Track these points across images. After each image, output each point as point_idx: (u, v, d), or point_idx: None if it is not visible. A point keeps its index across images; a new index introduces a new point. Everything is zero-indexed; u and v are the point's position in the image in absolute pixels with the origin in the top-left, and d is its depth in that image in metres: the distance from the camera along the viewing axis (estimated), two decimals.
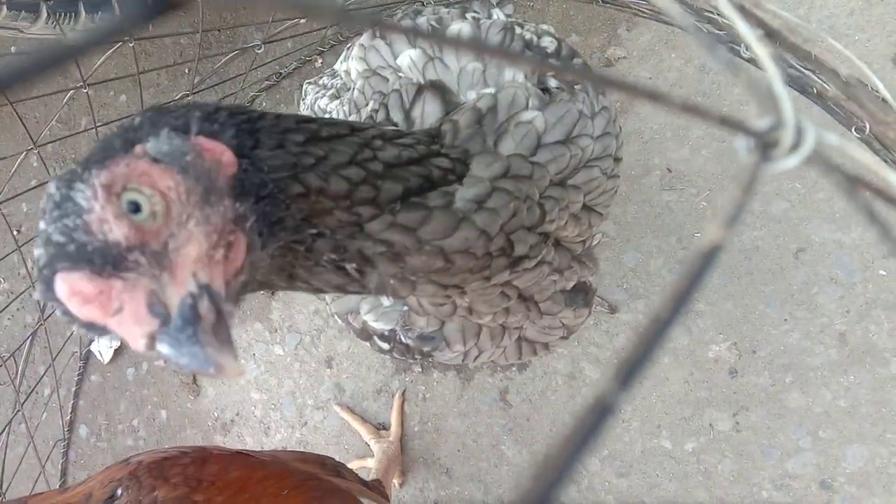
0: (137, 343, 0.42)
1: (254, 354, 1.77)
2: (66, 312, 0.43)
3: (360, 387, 1.65)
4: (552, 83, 0.71)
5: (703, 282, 0.21)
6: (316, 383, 1.69)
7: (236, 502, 0.95)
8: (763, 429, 1.31)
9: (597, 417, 0.17)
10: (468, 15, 0.79)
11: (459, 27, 0.75)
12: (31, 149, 1.35)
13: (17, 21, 1.37)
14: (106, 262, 0.41)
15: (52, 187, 0.43)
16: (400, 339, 0.82)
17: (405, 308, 0.76)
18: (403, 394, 1.59)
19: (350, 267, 0.51)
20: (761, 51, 0.26)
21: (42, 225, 0.43)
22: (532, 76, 0.72)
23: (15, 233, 2.17)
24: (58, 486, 2.03)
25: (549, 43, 0.76)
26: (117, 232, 0.41)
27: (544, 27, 0.80)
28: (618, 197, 1.00)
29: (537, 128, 0.68)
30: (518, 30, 0.75)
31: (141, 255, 0.41)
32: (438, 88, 0.71)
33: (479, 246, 0.58)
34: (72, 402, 2.01)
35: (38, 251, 0.43)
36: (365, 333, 0.86)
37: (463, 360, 0.84)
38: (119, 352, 1.95)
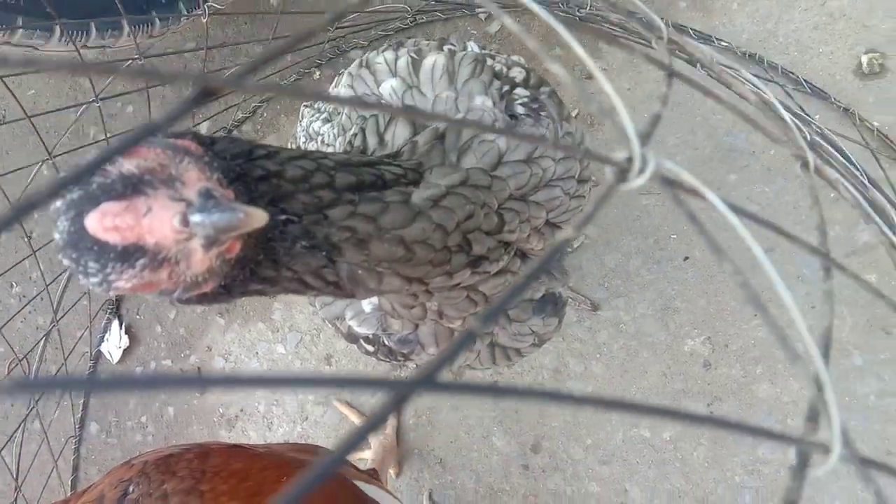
0: (173, 225, 0.47)
1: (257, 353, 1.85)
2: (101, 252, 0.47)
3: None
4: (519, 110, 0.80)
5: (552, 264, 0.29)
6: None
7: (239, 490, 1.03)
8: (735, 417, 1.40)
9: (462, 341, 0.25)
10: (445, 47, 0.87)
11: (434, 59, 0.83)
12: (46, 160, 1.43)
13: (32, 39, 1.45)
14: (126, 187, 0.47)
15: (68, 170, 0.50)
16: (383, 342, 0.90)
17: (381, 313, 0.84)
18: None
19: (321, 255, 0.58)
20: (617, 101, 0.34)
21: (56, 204, 0.48)
22: (500, 103, 0.80)
23: (26, 238, 2.26)
24: (70, 480, 2.12)
25: (517, 73, 0.84)
26: (129, 165, 0.47)
27: (515, 58, 0.88)
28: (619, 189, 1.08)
29: (500, 147, 0.76)
30: (489, 61, 0.83)
31: (154, 179, 0.48)
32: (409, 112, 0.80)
33: (437, 239, 0.66)
34: (82, 400, 2.10)
35: (57, 236, 0.49)
36: (352, 337, 0.94)
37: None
38: (128, 352, 2.04)
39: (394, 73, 0.85)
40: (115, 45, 1.60)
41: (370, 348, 0.92)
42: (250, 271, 0.58)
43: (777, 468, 1.37)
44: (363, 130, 0.81)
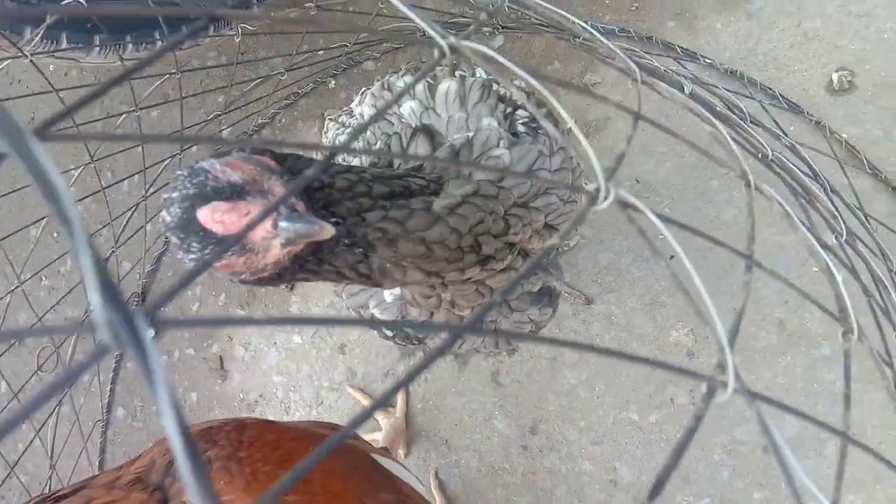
0: (266, 227, 0.62)
1: (275, 343, 1.99)
2: (205, 237, 0.62)
3: (369, 370, 1.88)
4: (521, 128, 0.93)
5: (547, 262, 0.43)
6: (330, 367, 1.92)
7: (272, 457, 1.17)
8: (715, 403, 1.53)
9: (486, 308, 0.39)
10: (457, 73, 1.01)
11: (448, 84, 0.97)
12: (89, 163, 1.57)
13: (74, 52, 1.59)
14: (232, 193, 0.61)
15: (179, 170, 0.64)
16: (401, 327, 1.04)
17: (402, 302, 0.98)
18: None
19: (358, 251, 0.73)
20: (588, 147, 0.48)
21: (171, 194, 0.63)
22: (504, 122, 0.94)
23: (55, 234, 2.40)
24: (97, 461, 2.27)
25: (518, 96, 0.97)
26: (235, 176, 0.62)
27: (518, 81, 1.02)
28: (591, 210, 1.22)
29: (504, 161, 0.90)
30: (495, 86, 0.97)
31: (252, 189, 0.62)
32: (428, 132, 0.93)
33: (452, 240, 0.80)
34: (109, 386, 2.24)
35: (164, 213, 0.63)
36: (374, 324, 1.08)
37: (449, 349, 1.06)
38: (153, 341, 2.17)
39: (413, 96, 0.98)
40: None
41: (389, 333, 1.06)
42: (299, 265, 0.73)
43: (752, 448, 1.51)
44: (388, 146, 0.94)
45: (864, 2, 1.49)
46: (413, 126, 0.95)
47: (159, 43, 1.69)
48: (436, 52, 0.47)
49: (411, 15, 0.48)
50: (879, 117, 1.47)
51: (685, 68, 1.52)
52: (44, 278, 2.44)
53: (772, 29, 1.56)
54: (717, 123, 0.71)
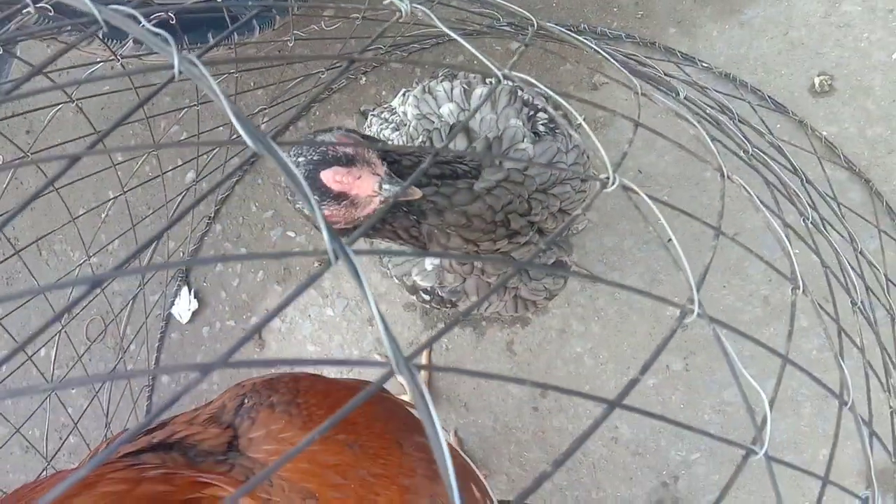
0: (373, 186, 0.81)
1: (309, 315, 2.20)
2: (323, 192, 0.81)
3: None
4: (541, 129, 1.13)
5: (560, 238, 0.62)
6: (360, 338, 2.12)
7: (324, 403, 1.36)
8: (706, 368, 1.74)
9: (525, 263, 0.58)
10: (487, 80, 1.20)
11: (481, 90, 1.16)
12: (153, 150, 1.77)
13: (139, 52, 1.78)
14: (346, 160, 0.80)
15: (306, 136, 0.84)
16: (437, 292, 1.24)
17: (440, 265, 1.18)
18: (431, 346, 2.02)
19: (412, 218, 0.93)
20: (600, 147, 0.67)
21: (297, 159, 0.82)
22: (528, 123, 1.13)
23: (102, 215, 2.60)
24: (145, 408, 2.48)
25: (540, 101, 1.17)
26: (349, 149, 0.81)
27: (538, 90, 1.22)
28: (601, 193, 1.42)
29: (529, 154, 1.10)
30: (519, 92, 1.17)
31: (360, 160, 0.82)
32: (465, 128, 1.13)
33: (488, 215, 0.99)
34: (155, 355, 2.45)
35: (298, 170, 0.84)
36: (414, 289, 1.28)
37: (477, 310, 1.26)
38: (196, 314, 2.38)
39: (451, 99, 1.18)
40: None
41: (427, 297, 1.26)
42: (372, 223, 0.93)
43: (738, 409, 1.71)
44: (430, 139, 1.14)
45: (843, 14, 1.68)
46: (451, 124, 1.15)
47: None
48: (493, 80, 0.67)
49: (476, 53, 0.67)
50: (855, 117, 1.66)
51: (684, 71, 1.71)
52: (91, 255, 2.64)
53: (762, 37, 1.75)
54: (699, 127, 0.91)
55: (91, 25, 0.57)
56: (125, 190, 1.88)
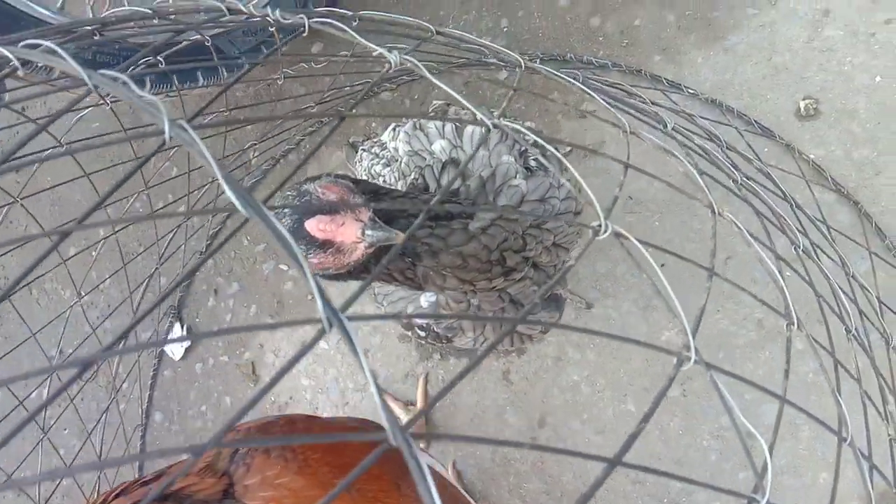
0: (356, 233, 0.81)
1: (329, 336, 2.18)
2: (309, 241, 0.81)
3: (391, 372, 2.07)
4: (532, 163, 1.13)
5: (549, 277, 0.62)
6: (355, 371, 2.11)
7: (321, 445, 1.35)
8: (703, 394, 1.73)
9: (507, 331, 0.58)
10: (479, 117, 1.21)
11: (473, 128, 1.17)
12: (143, 190, 1.77)
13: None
14: (330, 209, 0.81)
15: (288, 190, 0.84)
16: (433, 329, 1.24)
17: (435, 303, 1.17)
18: (426, 377, 2.01)
19: (407, 260, 0.93)
20: (590, 194, 0.67)
21: (283, 211, 0.83)
22: (520, 159, 1.14)
23: (94, 253, 2.59)
24: (137, 464, 2.44)
25: (530, 137, 1.18)
26: (333, 196, 0.82)
27: (529, 124, 1.22)
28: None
29: (522, 190, 1.10)
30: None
31: (344, 206, 0.82)
32: (457, 164, 1.13)
33: (483, 255, 0.99)
34: (148, 393, 2.43)
35: (285, 221, 0.83)
36: (409, 325, 1.28)
37: (473, 345, 1.26)
38: (189, 350, 2.36)
39: (442, 136, 1.18)
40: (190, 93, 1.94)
41: (422, 334, 1.25)
42: (364, 266, 0.93)
43: (736, 434, 1.70)
44: (423, 175, 1.14)
45: (826, 38, 1.70)
46: (443, 161, 1.15)
47: (201, 81, 1.89)
48: (483, 129, 0.67)
49: (464, 102, 0.68)
50: (841, 140, 1.67)
51: (671, 99, 1.72)
52: (82, 294, 2.62)
53: (746, 62, 1.77)
54: (687, 163, 0.91)
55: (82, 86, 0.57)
56: (116, 230, 1.87)
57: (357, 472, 0.44)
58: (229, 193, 0.47)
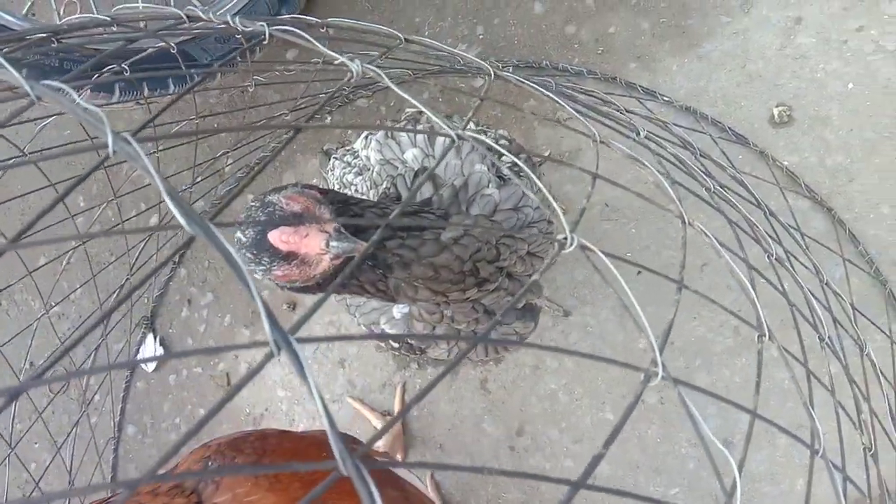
0: (320, 244, 0.79)
1: (279, 360, 2.14)
2: (272, 253, 0.79)
3: (368, 382, 2.04)
4: (505, 172, 1.12)
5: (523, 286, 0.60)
6: (332, 380, 2.08)
7: (291, 461, 1.33)
8: (679, 402, 1.72)
9: (473, 344, 0.56)
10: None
11: (445, 138, 1.15)
12: (112, 199, 1.73)
13: (98, 99, 1.75)
14: (294, 220, 0.79)
15: (252, 201, 0.82)
16: (405, 340, 1.22)
17: (408, 314, 1.15)
18: (404, 386, 1.99)
19: (378, 272, 0.91)
20: (558, 210, 0.66)
21: (245, 217, 0.82)
22: (492, 168, 1.12)
23: (64, 263, 2.54)
24: (109, 478, 2.39)
25: (503, 145, 1.16)
26: (297, 207, 0.79)
27: (501, 132, 1.21)
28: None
29: (495, 199, 1.09)
30: (483, 136, 1.16)
31: (309, 218, 0.79)
32: (430, 174, 1.12)
33: (456, 265, 0.97)
34: (120, 405, 2.38)
35: (240, 234, 0.81)
36: (382, 338, 1.26)
37: (448, 355, 1.24)
38: (162, 362, 2.32)
39: (414, 144, 1.17)
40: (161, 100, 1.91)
41: (395, 345, 1.23)
42: (333, 277, 0.91)
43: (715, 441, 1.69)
44: (395, 185, 1.12)
45: (798, 46, 1.71)
46: (415, 169, 1.13)
47: (172, 88, 1.86)
48: (447, 141, 0.66)
49: (430, 113, 0.66)
50: (815, 146, 1.68)
51: (646, 106, 1.72)
52: (53, 304, 2.57)
53: (720, 69, 1.77)
54: (658, 174, 0.90)
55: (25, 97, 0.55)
56: (85, 240, 1.83)
57: (311, 497, 0.42)
58: (174, 210, 0.45)
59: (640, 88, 1.81)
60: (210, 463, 1.31)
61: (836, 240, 1.61)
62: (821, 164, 1.67)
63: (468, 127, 1.18)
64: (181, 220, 0.44)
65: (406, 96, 0.67)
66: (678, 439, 1.72)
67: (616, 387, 1.78)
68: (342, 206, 0.88)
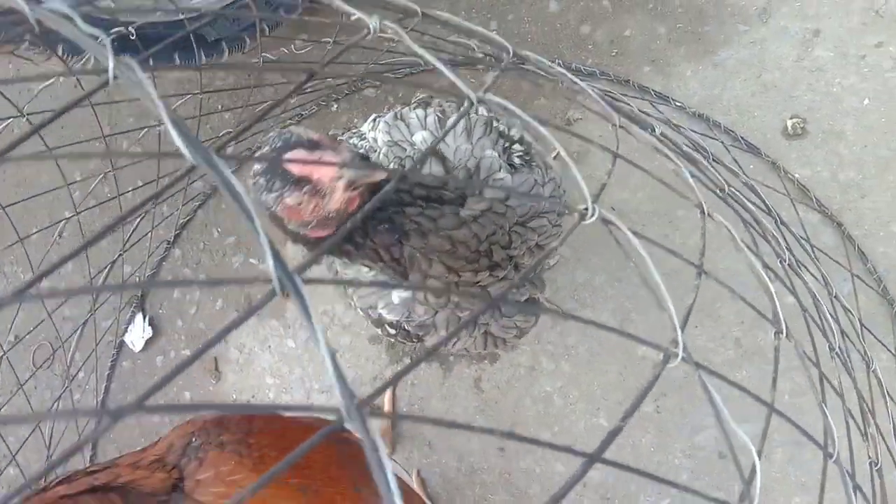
0: (334, 170, 0.77)
1: (269, 346, 2.11)
2: (285, 177, 0.77)
3: (359, 374, 2.00)
4: (516, 161, 1.09)
5: (533, 276, 0.57)
6: (322, 371, 2.04)
7: (278, 444, 1.29)
8: (677, 411, 1.69)
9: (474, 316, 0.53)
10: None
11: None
12: (108, 171, 1.70)
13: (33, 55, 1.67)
14: (310, 145, 0.77)
15: (273, 133, 0.79)
16: (403, 326, 1.18)
17: (408, 299, 1.12)
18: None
19: (395, 237, 0.88)
20: (580, 180, 0.63)
21: (263, 150, 0.80)
22: (503, 155, 1.09)
23: (57, 236, 2.49)
24: (89, 456, 2.34)
25: (515, 133, 1.13)
26: (315, 136, 0.78)
27: (514, 119, 1.18)
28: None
29: (507, 184, 1.06)
30: (495, 123, 1.13)
31: (325, 146, 0.78)
32: (440, 156, 1.09)
33: (473, 243, 0.95)
34: (105, 384, 2.33)
35: (257, 166, 0.80)
36: (379, 322, 1.22)
37: (445, 345, 1.21)
38: (150, 342, 2.28)
39: (424, 127, 1.14)
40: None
41: (392, 331, 1.20)
42: (349, 236, 0.88)
43: (710, 453, 1.66)
44: (403, 167, 1.09)
45: (816, 58, 1.69)
46: (424, 152, 1.10)
47: (177, 63, 1.83)
48: (466, 102, 0.63)
49: (450, 74, 0.63)
50: (828, 161, 1.66)
51: (658, 110, 1.70)
52: (44, 280, 2.52)
53: (735, 78, 1.75)
54: (679, 162, 0.87)
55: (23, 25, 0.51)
56: (78, 211, 1.79)
57: (300, 452, 0.39)
58: (176, 139, 0.42)
59: (653, 92, 1.79)
60: (194, 440, 1.27)
61: (844, 255, 1.58)
62: (833, 178, 1.65)
63: (480, 112, 1.15)
64: (183, 149, 0.41)
65: (424, 53, 0.65)
66: (672, 449, 1.69)
67: (612, 392, 1.75)
68: (361, 157, 0.87)
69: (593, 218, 0.60)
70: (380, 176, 0.80)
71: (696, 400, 1.68)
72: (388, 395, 1.93)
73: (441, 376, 1.91)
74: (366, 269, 1.12)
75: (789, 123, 1.69)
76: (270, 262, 0.39)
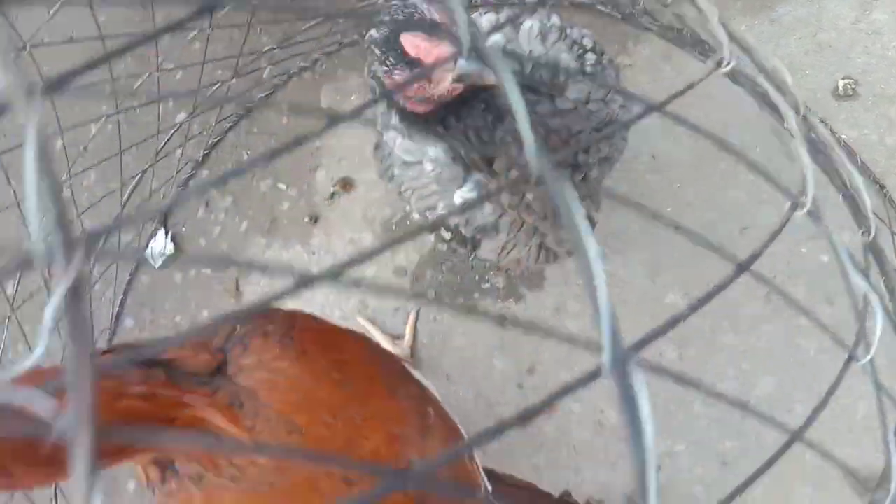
0: (450, 55, 0.76)
1: (293, 272, 2.10)
2: (398, 56, 0.77)
3: (381, 305, 2.01)
4: (588, 69, 1.09)
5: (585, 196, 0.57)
6: (344, 299, 2.04)
7: (319, 340, 1.29)
8: (699, 360, 1.71)
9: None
10: (536, 16, 1.15)
11: (531, 23, 1.11)
12: (116, 112, 1.67)
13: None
14: (431, 28, 0.76)
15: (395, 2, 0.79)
16: (460, 230, 1.18)
17: (475, 198, 1.11)
18: (418, 312, 1.95)
19: (490, 118, 0.88)
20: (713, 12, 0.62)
21: (384, 17, 0.78)
22: (576, 62, 1.09)
23: (83, 147, 2.47)
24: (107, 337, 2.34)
25: (588, 42, 1.12)
26: (437, 16, 0.76)
27: (585, 31, 1.17)
28: (614, 174, 1.37)
29: (588, 87, 1.05)
30: (568, 30, 1.12)
31: (445, 31, 0.76)
32: (515, 55, 1.08)
33: (564, 134, 0.94)
34: (121, 298, 2.32)
35: (375, 33, 0.79)
36: (435, 225, 1.22)
37: (499, 254, 1.21)
38: (171, 259, 2.27)
39: (497, 31, 1.13)
40: None
41: (447, 236, 1.20)
42: (443, 117, 0.88)
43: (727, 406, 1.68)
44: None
45: (873, 21, 1.68)
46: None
47: None
48: (533, 25, 0.61)
49: None
50: (876, 124, 1.66)
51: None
52: (68, 188, 2.50)
53: (790, 35, 1.74)
54: (763, 81, 0.87)
55: None
56: (118, 110, 1.77)
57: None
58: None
59: (706, 45, 1.78)
60: (238, 328, 1.27)
61: (886, 217, 1.59)
62: (881, 142, 1.65)
63: (553, 20, 1.14)
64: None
65: None
66: (691, 397, 1.70)
67: (638, 332, 1.75)
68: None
69: (729, 67, 0.59)
70: (490, 80, 0.80)
71: (719, 350, 1.70)
72: (409, 326, 1.94)
73: (464, 314, 1.91)
74: (429, 167, 1.12)
75: (840, 84, 1.68)
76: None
